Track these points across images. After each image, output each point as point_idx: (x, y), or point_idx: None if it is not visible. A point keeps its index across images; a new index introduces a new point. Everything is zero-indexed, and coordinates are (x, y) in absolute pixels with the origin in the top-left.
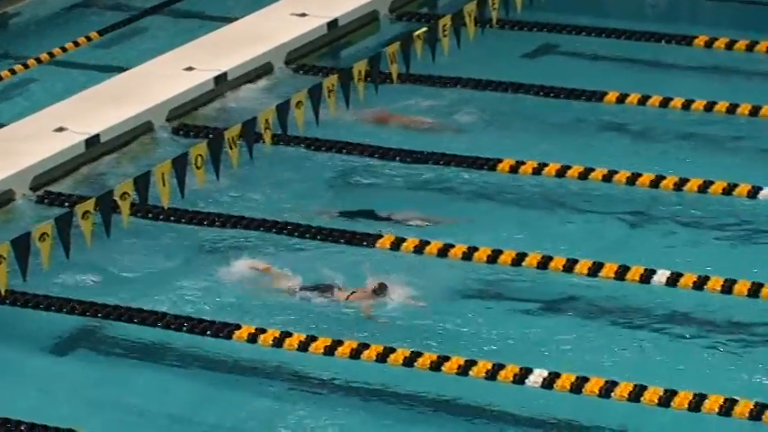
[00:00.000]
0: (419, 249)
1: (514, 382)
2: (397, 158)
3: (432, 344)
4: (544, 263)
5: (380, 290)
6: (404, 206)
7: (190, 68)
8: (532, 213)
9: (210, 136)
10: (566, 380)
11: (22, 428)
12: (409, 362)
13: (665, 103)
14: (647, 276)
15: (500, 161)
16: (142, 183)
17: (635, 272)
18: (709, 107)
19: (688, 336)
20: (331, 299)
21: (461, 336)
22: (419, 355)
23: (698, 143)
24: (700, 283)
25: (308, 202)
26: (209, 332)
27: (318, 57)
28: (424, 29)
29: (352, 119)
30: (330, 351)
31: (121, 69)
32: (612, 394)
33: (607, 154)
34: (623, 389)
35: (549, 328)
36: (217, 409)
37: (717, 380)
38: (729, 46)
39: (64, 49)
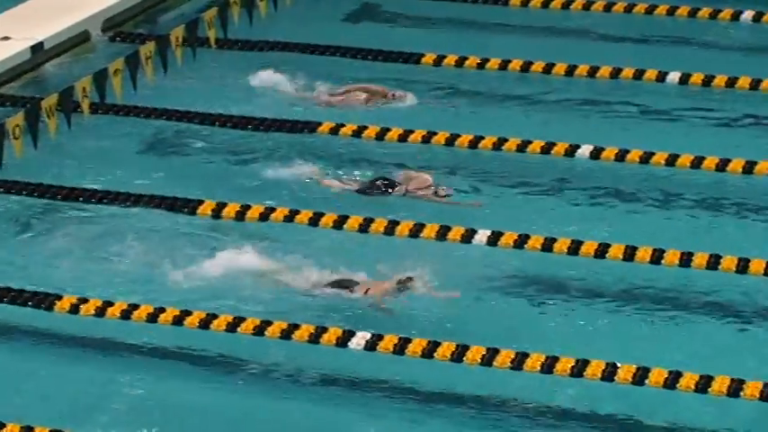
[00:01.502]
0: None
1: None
2: (217, 123)
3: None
4: None
5: (404, 283)
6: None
7: (6, 38)
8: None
9: (27, 105)
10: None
11: None
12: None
13: (482, 64)
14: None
15: (320, 124)
16: None
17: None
18: (526, 67)
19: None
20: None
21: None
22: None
23: (513, 103)
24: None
25: (125, 170)
26: None
27: (135, 24)
28: None
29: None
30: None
31: None
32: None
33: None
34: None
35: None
36: None
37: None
38: (546, 4)
39: None
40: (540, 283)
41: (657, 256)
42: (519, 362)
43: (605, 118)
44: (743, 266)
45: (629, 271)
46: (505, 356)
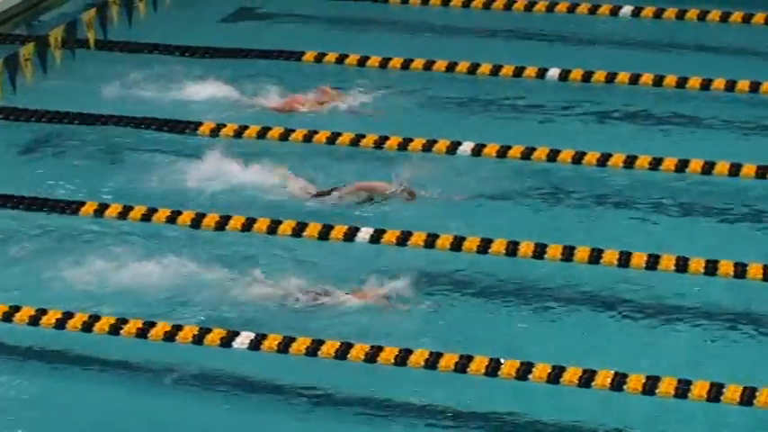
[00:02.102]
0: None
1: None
2: (97, 123)
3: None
4: None
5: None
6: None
7: None
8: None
9: None
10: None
11: None
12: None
13: (362, 61)
14: None
15: (200, 124)
16: None
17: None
18: (407, 64)
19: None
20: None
21: None
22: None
23: (394, 100)
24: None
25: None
26: None
27: (14, 25)
28: None
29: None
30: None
31: None
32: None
33: None
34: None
35: None
36: None
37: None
38: (425, 2)
39: None
40: None
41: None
42: (402, 359)
43: (486, 114)
44: (625, 260)
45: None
46: (389, 352)
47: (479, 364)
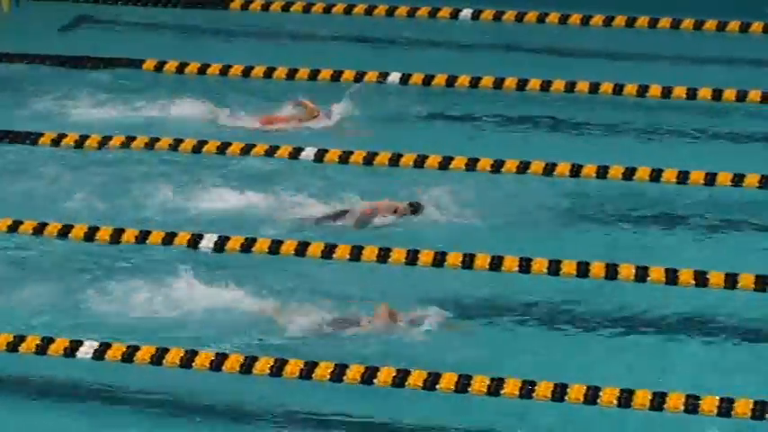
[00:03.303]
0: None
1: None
2: None
3: None
4: None
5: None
6: None
7: None
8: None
9: None
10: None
11: None
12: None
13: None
14: None
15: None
16: None
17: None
18: (247, 72)
19: None
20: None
21: None
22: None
23: (235, 107)
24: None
25: None
26: None
27: None
28: None
29: None
30: None
31: None
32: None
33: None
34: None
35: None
36: None
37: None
38: (266, 7)
39: None
40: None
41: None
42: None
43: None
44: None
45: None
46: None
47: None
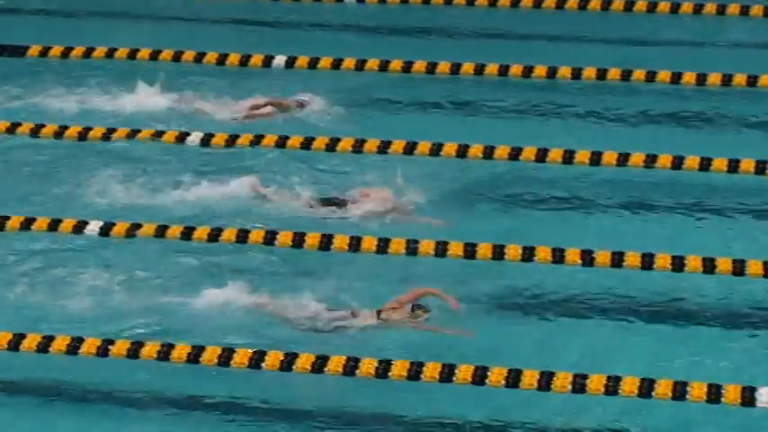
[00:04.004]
0: None
1: None
2: None
3: None
4: None
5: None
6: None
7: None
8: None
9: None
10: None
11: None
12: None
13: (88, 52)
14: None
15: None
16: None
17: None
18: (133, 54)
19: None
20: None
21: None
22: None
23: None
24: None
25: None
26: None
27: None
28: None
29: None
30: None
31: None
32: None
33: None
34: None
35: None
36: None
37: None
38: None
39: None
40: None
41: None
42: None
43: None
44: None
45: None
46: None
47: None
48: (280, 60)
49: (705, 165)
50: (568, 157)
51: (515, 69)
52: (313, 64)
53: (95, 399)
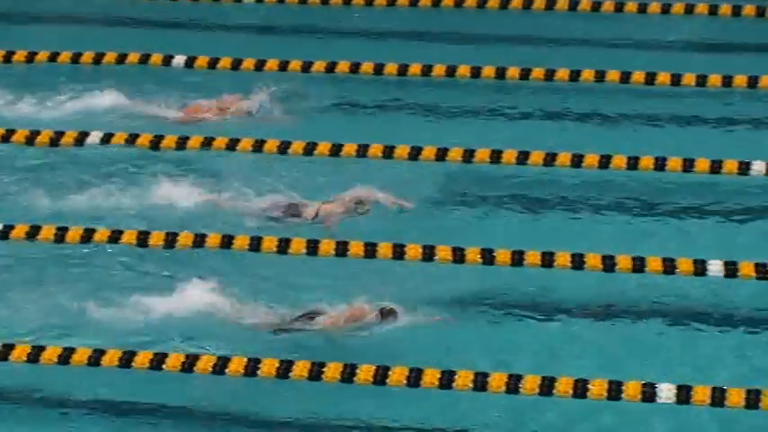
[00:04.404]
0: None
1: None
2: None
3: None
4: None
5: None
6: None
7: None
8: None
9: None
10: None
11: None
12: None
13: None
14: None
15: None
16: None
17: None
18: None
19: None
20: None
21: None
22: None
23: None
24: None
25: None
26: None
27: None
28: None
29: None
30: None
31: None
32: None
33: None
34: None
35: None
36: None
37: None
38: None
39: None
40: None
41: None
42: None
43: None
44: None
45: None
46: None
47: None
48: (179, 60)
49: (604, 162)
50: (468, 156)
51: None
52: (213, 64)
53: None
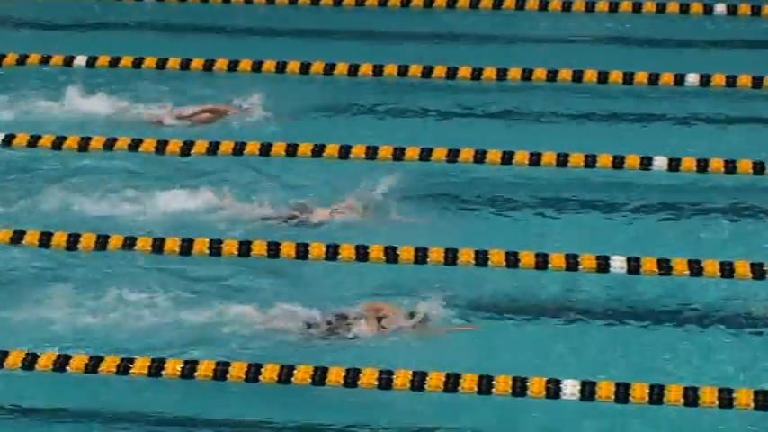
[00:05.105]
0: None
1: None
2: None
3: None
4: None
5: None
6: None
7: None
8: None
9: None
10: None
11: None
12: None
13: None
14: None
15: None
16: None
17: None
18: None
19: None
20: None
21: None
22: None
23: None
24: None
25: None
26: None
27: None
28: None
29: None
30: None
31: None
32: None
33: None
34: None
35: None
36: None
37: None
38: None
39: None
40: None
41: None
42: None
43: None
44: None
45: None
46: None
47: None
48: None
49: (507, 158)
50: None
51: (316, 67)
52: (114, 62)
53: None
